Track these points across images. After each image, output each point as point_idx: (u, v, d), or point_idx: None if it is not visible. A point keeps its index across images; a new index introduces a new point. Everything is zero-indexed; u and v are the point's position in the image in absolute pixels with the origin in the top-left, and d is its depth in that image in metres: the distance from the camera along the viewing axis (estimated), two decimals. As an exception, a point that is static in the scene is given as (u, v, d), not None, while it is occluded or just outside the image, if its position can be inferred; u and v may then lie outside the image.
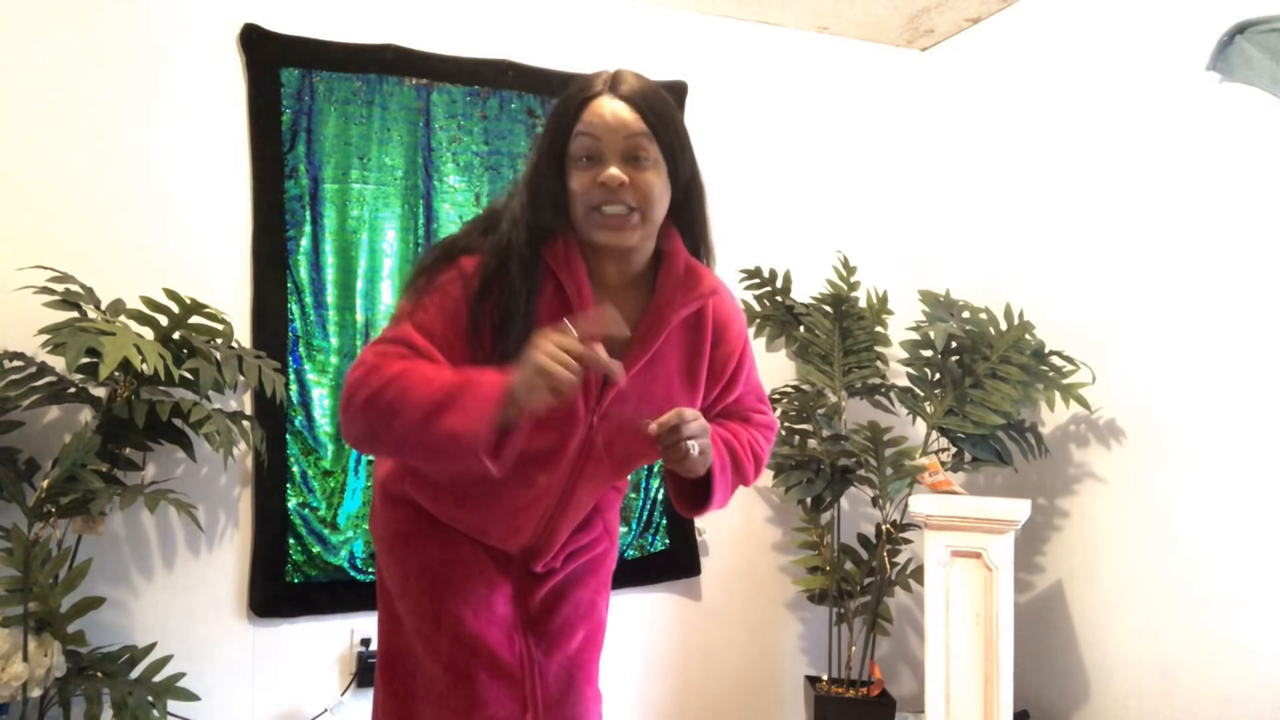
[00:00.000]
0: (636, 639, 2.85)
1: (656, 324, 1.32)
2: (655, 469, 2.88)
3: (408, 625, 1.41)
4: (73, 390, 2.15)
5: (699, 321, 1.37)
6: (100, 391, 2.20)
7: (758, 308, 3.02)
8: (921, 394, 2.70)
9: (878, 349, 2.86)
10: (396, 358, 1.22)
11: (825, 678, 2.82)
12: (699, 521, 2.93)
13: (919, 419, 2.75)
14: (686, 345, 1.37)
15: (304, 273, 2.54)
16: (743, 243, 3.02)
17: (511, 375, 1.14)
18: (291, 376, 2.50)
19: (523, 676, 1.37)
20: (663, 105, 1.28)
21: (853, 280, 2.94)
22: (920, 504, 2.39)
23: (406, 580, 1.42)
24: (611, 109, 1.24)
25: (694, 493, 1.37)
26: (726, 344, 1.40)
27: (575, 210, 1.27)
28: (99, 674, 2.09)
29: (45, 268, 2.15)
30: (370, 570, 2.57)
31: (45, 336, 1.97)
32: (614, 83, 1.27)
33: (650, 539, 2.87)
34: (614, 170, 1.22)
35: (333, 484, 2.55)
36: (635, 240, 1.28)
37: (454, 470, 1.28)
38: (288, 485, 2.50)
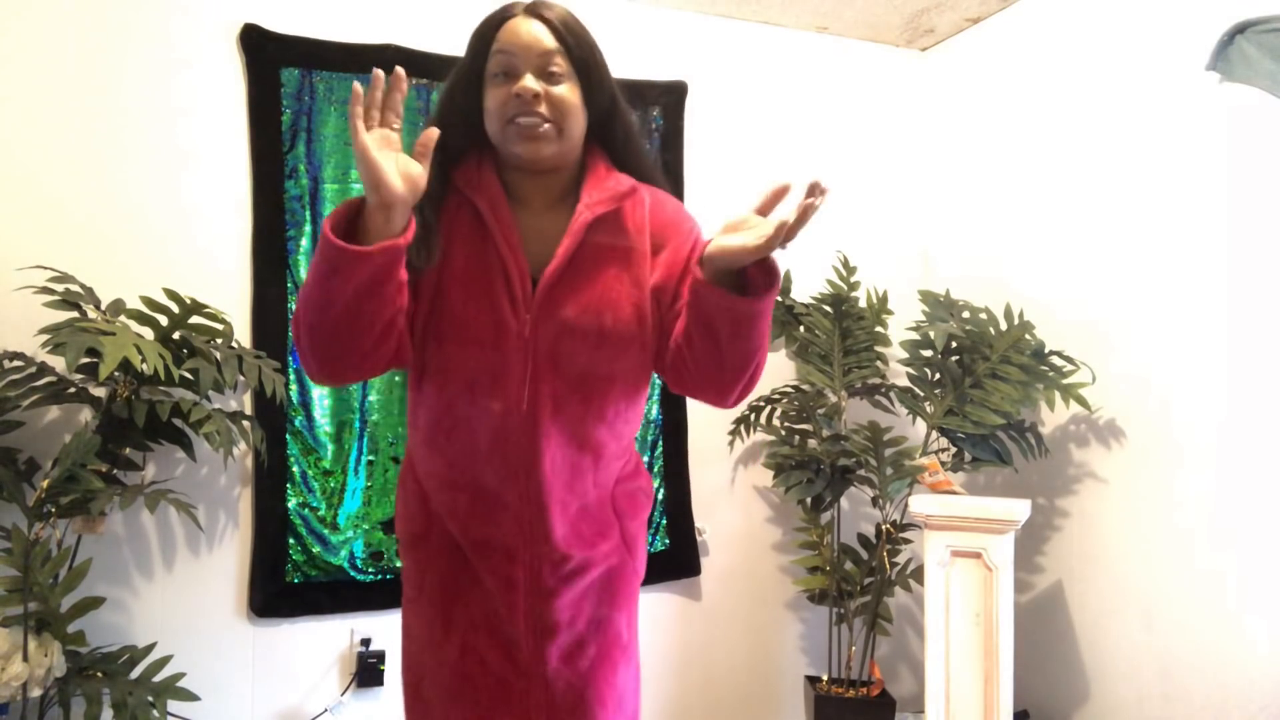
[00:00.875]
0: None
1: (572, 226, 1.31)
2: (656, 469, 2.88)
3: (423, 628, 1.38)
4: (73, 390, 2.15)
5: (636, 224, 1.35)
6: (100, 391, 2.20)
7: (758, 308, 3.01)
8: (921, 394, 2.70)
9: (878, 349, 2.86)
10: None
11: (825, 678, 2.83)
12: (699, 521, 2.93)
13: (919, 419, 2.75)
14: (624, 244, 1.34)
15: (304, 273, 2.54)
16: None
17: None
18: (291, 376, 2.50)
19: (528, 691, 1.32)
20: (579, 28, 1.32)
21: (853, 280, 2.94)
22: (920, 504, 2.39)
23: (421, 582, 1.39)
24: (527, 27, 1.28)
25: (737, 293, 1.20)
26: (676, 243, 1.35)
27: (491, 127, 1.29)
28: (99, 674, 2.09)
29: (45, 268, 2.15)
30: (370, 570, 2.57)
31: (45, 336, 1.97)
32: (532, 6, 1.31)
33: (650, 539, 2.86)
34: (528, 81, 1.25)
35: (333, 484, 2.55)
36: (550, 152, 1.29)
37: (347, 298, 1.15)
38: (288, 485, 2.50)
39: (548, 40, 1.28)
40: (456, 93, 1.33)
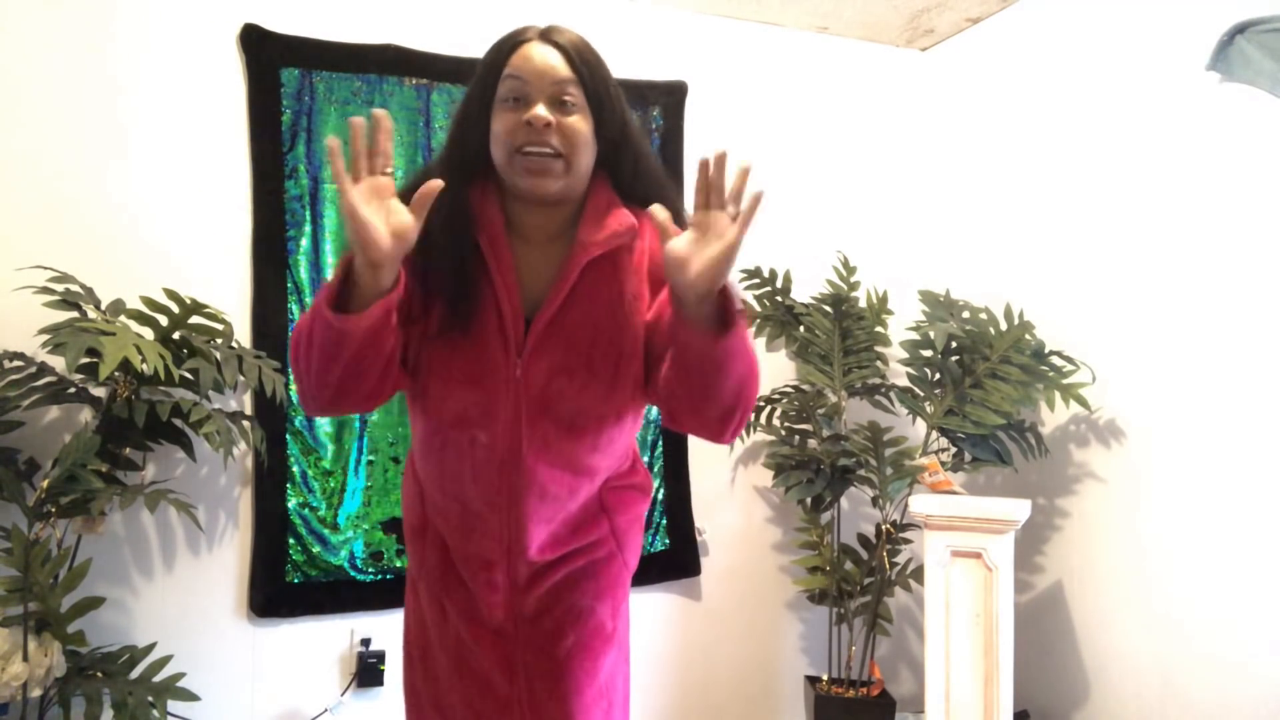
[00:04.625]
0: (637, 639, 2.83)
1: (567, 268, 1.29)
2: (656, 469, 2.88)
3: (425, 607, 1.46)
4: (73, 390, 2.15)
5: (632, 262, 1.31)
6: (100, 391, 2.20)
7: (758, 308, 3.02)
8: (921, 394, 2.70)
9: (878, 349, 2.86)
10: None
11: (825, 678, 2.83)
12: (699, 521, 2.93)
13: (919, 419, 2.75)
14: (617, 286, 1.31)
15: (304, 273, 2.54)
16: (743, 243, 3.01)
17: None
18: (291, 376, 2.50)
19: (511, 677, 1.38)
20: (594, 57, 1.29)
21: (853, 280, 2.94)
22: (920, 504, 2.39)
23: (421, 568, 1.47)
24: (541, 54, 1.25)
25: (705, 336, 1.16)
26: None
27: (497, 153, 1.26)
28: (99, 674, 2.09)
29: (45, 268, 2.15)
30: (370, 570, 2.57)
31: (45, 336, 1.97)
32: (546, 31, 1.28)
33: (650, 539, 2.87)
34: (540, 110, 1.22)
35: (333, 484, 2.55)
36: (557, 188, 1.26)
37: (344, 361, 1.18)
38: (288, 485, 2.50)
39: (562, 69, 1.24)
40: (469, 116, 1.30)
